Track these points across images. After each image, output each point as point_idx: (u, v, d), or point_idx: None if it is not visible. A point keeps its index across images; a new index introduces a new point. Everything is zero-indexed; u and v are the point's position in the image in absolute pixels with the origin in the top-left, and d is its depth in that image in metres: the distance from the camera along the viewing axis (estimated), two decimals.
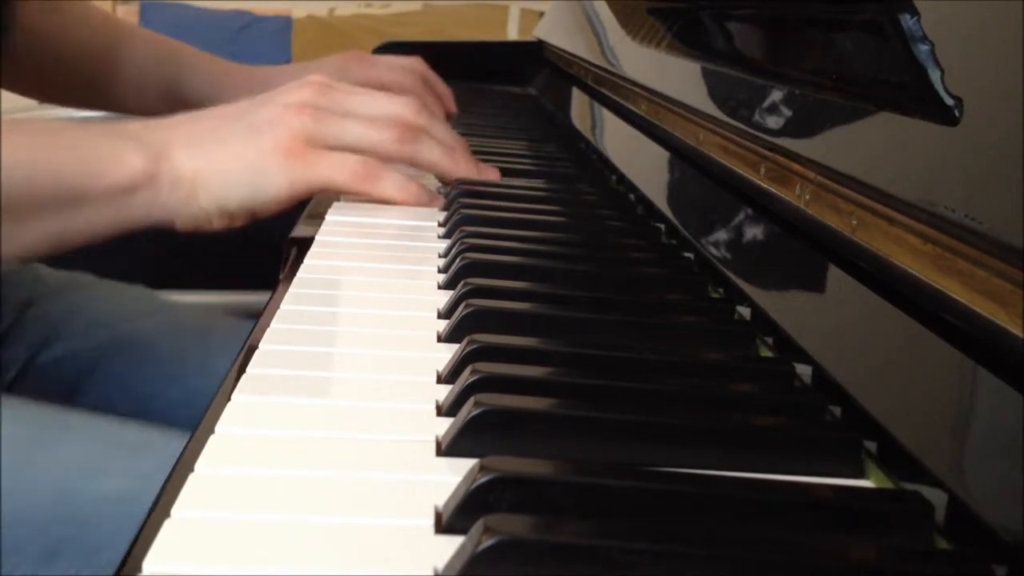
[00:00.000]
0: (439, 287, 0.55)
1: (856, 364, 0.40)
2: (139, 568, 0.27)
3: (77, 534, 0.62)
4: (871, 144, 0.43)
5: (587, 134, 1.02)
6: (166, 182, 0.63)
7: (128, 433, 0.68)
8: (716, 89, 0.65)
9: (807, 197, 0.47)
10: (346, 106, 0.69)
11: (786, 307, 0.48)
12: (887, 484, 0.35)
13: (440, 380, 0.42)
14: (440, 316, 0.50)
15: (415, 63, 0.87)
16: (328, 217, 0.68)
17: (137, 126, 0.66)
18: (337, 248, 0.62)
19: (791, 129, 0.51)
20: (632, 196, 0.79)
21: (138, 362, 0.86)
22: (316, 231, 0.65)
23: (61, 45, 0.95)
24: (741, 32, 0.70)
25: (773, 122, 0.53)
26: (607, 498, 0.31)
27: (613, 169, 0.86)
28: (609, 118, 0.96)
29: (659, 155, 0.75)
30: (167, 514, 0.30)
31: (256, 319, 0.49)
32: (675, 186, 0.73)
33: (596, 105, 1.04)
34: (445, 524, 0.30)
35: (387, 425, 0.37)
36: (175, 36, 1.05)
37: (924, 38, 0.40)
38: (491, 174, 0.78)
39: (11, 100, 1.03)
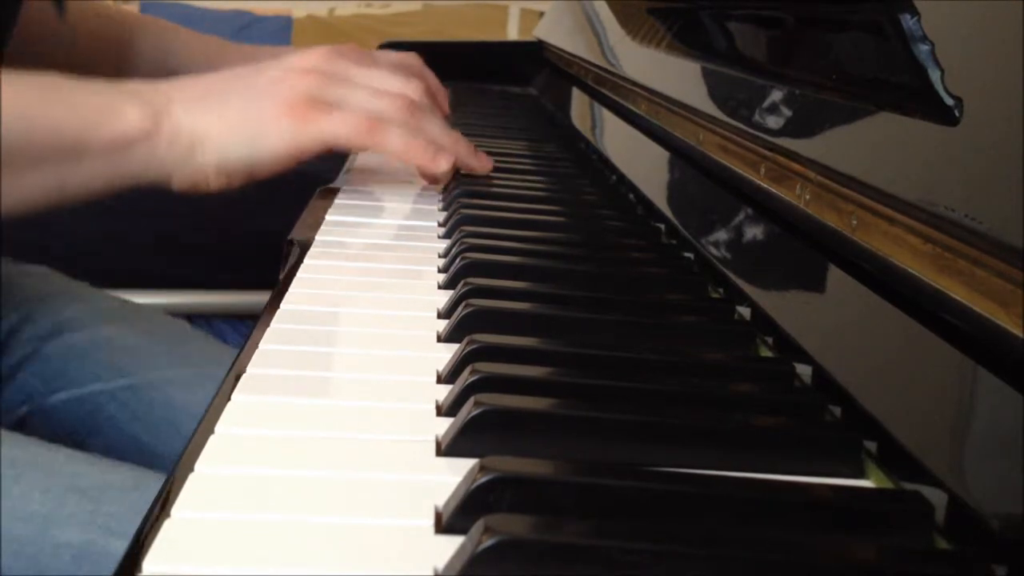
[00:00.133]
0: (439, 287, 0.55)
1: (856, 364, 0.40)
2: (139, 568, 0.27)
3: None
4: (871, 144, 0.43)
5: (587, 134, 1.02)
6: (165, 137, 0.62)
7: (89, 474, 0.66)
8: (716, 89, 0.65)
9: (807, 197, 0.47)
10: (352, 76, 0.68)
11: (786, 307, 0.48)
12: (887, 484, 0.35)
13: (440, 380, 0.42)
14: (440, 316, 0.50)
15: (411, 58, 0.87)
16: (328, 217, 0.68)
17: (139, 84, 0.65)
18: (337, 248, 0.62)
19: (791, 129, 0.51)
20: (632, 196, 0.78)
21: (151, 417, 0.85)
22: (316, 231, 0.65)
23: (72, 39, 0.94)
24: (741, 32, 0.70)
25: (773, 122, 0.53)
26: (607, 498, 0.31)
27: (613, 169, 0.86)
28: (609, 118, 0.96)
29: (659, 155, 0.75)
30: (167, 514, 0.30)
31: (256, 319, 0.49)
32: (675, 186, 0.73)
33: (596, 105, 1.04)
34: (445, 524, 0.30)
35: (387, 425, 0.37)
36: None
37: (924, 38, 0.40)
38: (487, 162, 0.78)
39: None
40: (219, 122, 0.64)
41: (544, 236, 0.64)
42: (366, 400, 0.39)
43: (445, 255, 0.60)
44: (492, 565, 0.27)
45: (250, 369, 0.41)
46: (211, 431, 0.35)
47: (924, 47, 0.40)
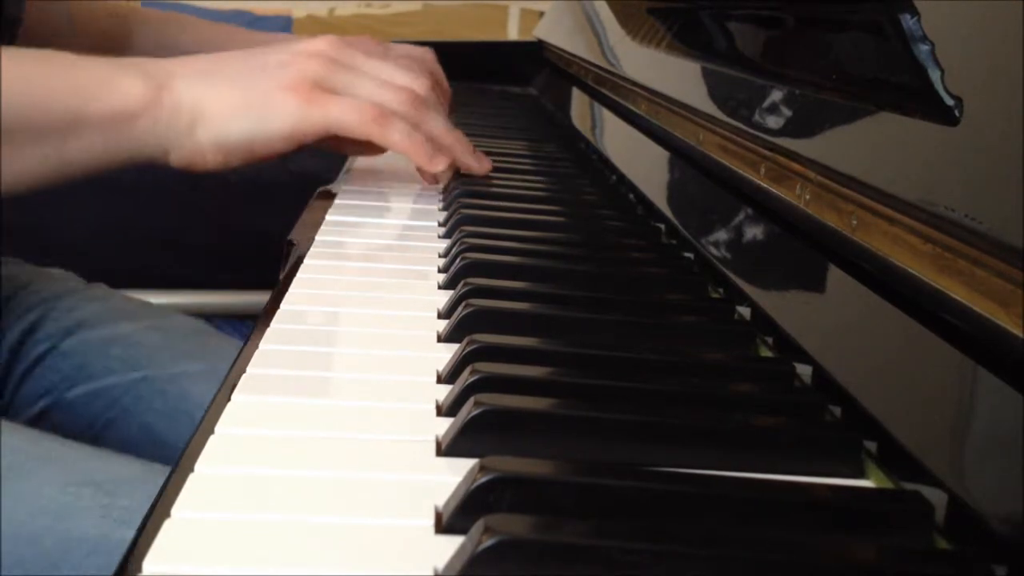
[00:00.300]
0: (439, 287, 0.55)
1: (856, 364, 0.40)
2: (139, 568, 0.27)
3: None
4: (871, 144, 0.43)
5: (587, 134, 1.02)
6: (165, 111, 0.62)
7: (106, 469, 0.66)
8: (716, 89, 0.65)
9: (807, 197, 0.47)
10: (359, 65, 0.68)
11: (786, 307, 0.48)
12: (887, 484, 0.35)
13: (440, 380, 0.42)
14: (440, 316, 0.50)
15: (424, 53, 0.87)
16: (328, 217, 0.68)
17: (141, 59, 0.65)
18: (337, 248, 0.62)
19: (791, 129, 0.51)
20: (632, 196, 0.79)
21: (168, 409, 0.85)
22: (316, 231, 0.65)
23: (73, 34, 0.94)
24: (741, 32, 0.70)
25: (773, 122, 0.53)
26: (607, 498, 0.31)
27: (613, 169, 0.86)
28: (609, 118, 0.96)
29: (659, 155, 0.75)
30: (167, 514, 0.30)
31: (256, 319, 0.49)
32: (675, 186, 0.73)
33: (596, 105, 1.04)
34: (445, 524, 0.30)
35: (387, 425, 0.37)
36: None
37: (924, 38, 0.40)
38: (487, 164, 0.78)
39: None
40: (221, 98, 0.63)
41: (544, 236, 0.64)
42: (366, 400, 0.39)
43: (445, 255, 0.60)
44: (492, 565, 0.27)
45: (250, 369, 0.41)
46: (211, 431, 0.35)
47: (924, 47, 0.40)
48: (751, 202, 0.56)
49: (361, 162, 0.90)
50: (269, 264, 0.66)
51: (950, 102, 0.37)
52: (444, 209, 0.72)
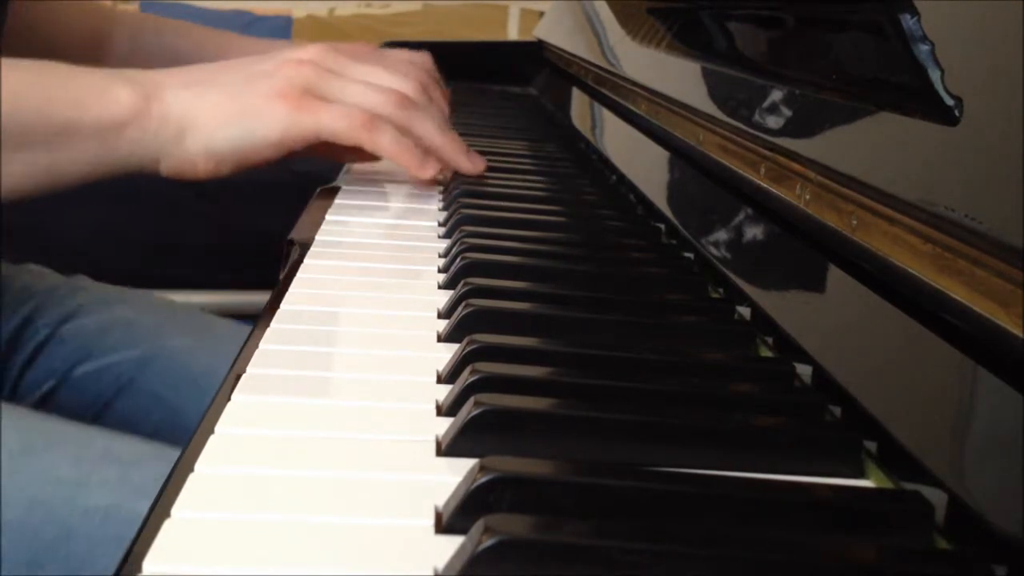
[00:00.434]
0: (439, 287, 0.55)
1: (856, 364, 0.40)
2: (139, 568, 0.27)
3: (62, 545, 0.61)
4: (871, 144, 0.43)
5: (587, 134, 1.02)
6: (153, 121, 0.63)
7: (119, 446, 0.67)
8: (716, 89, 0.65)
9: (807, 197, 0.47)
10: (348, 71, 0.69)
11: (786, 307, 0.48)
12: (887, 484, 0.35)
13: (440, 380, 0.42)
14: (440, 316, 0.50)
15: (424, 59, 0.87)
16: (328, 217, 0.68)
17: (130, 70, 0.66)
18: (337, 248, 0.62)
19: (791, 129, 0.51)
20: (632, 196, 0.79)
21: (173, 378, 0.86)
22: (316, 231, 0.65)
23: (50, 33, 0.95)
24: (741, 32, 0.70)
25: (773, 122, 0.53)
26: (607, 498, 0.31)
27: (613, 169, 0.86)
28: (609, 118, 0.96)
29: (659, 155, 0.75)
30: (167, 514, 0.30)
31: (256, 319, 0.49)
32: (675, 186, 0.73)
33: (596, 105, 1.04)
34: (445, 524, 0.30)
35: (387, 425, 0.37)
36: None
37: (924, 38, 0.40)
38: (480, 164, 0.78)
39: None
40: (210, 107, 0.64)
41: (544, 236, 0.64)
42: (366, 400, 0.39)
43: (445, 255, 0.60)
44: (492, 565, 0.27)
45: (250, 369, 0.41)
46: (211, 431, 0.35)
47: (924, 47, 0.40)
48: (751, 202, 0.56)
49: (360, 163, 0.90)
50: (269, 264, 0.66)
51: (950, 102, 0.37)
52: (444, 209, 0.72)
